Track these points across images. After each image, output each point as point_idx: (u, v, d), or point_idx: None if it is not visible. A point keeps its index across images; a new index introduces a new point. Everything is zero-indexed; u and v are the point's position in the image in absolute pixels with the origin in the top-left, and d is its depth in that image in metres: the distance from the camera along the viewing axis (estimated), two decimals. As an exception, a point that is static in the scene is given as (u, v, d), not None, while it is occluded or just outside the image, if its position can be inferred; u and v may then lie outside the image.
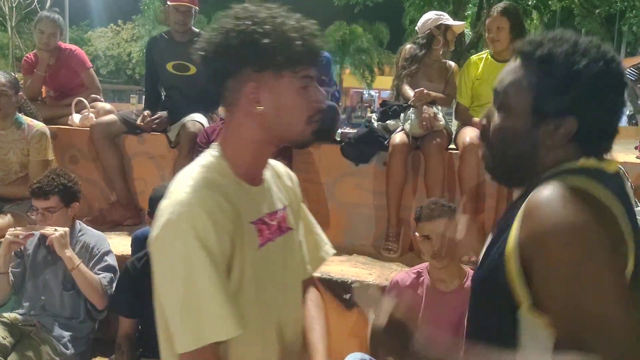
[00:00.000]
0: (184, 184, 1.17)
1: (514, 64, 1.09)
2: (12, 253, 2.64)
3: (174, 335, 1.12)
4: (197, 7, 3.81)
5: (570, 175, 1.00)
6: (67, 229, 2.56)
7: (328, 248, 1.57)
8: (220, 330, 1.10)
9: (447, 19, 3.62)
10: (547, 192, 0.97)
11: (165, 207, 1.14)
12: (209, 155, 1.26)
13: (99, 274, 2.62)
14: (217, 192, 1.17)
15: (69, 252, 2.52)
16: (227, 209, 1.17)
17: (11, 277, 2.67)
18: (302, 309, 1.46)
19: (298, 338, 1.41)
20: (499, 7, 3.47)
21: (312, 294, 1.55)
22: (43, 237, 2.61)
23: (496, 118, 1.11)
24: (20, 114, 3.46)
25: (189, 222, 1.10)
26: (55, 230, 2.51)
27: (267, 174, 1.35)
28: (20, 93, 3.44)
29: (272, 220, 1.30)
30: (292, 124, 1.21)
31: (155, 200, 2.03)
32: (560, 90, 1.02)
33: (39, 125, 3.46)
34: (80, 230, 2.76)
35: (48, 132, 3.48)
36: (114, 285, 2.64)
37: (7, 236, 2.58)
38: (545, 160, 1.06)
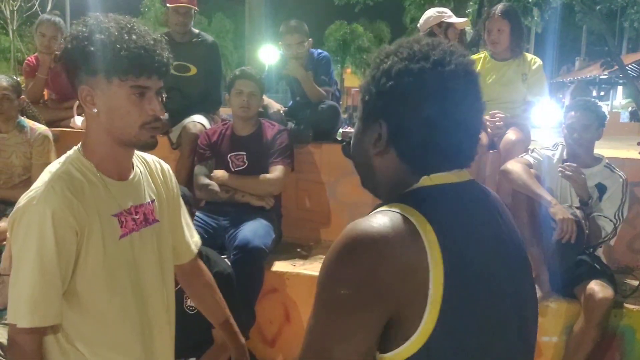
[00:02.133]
0: (41, 179, 1.31)
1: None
2: None
3: (9, 305, 1.28)
4: (196, 8, 3.82)
5: (396, 202, 0.95)
6: None
7: (191, 247, 1.67)
8: (31, 318, 1.25)
9: (449, 17, 3.61)
10: (350, 227, 0.94)
11: (23, 199, 1.29)
12: (72, 152, 1.38)
13: None
14: (68, 190, 1.28)
15: None
16: (75, 205, 1.28)
17: None
18: (172, 292, 1.56)
19: (169, 321, 1.54)
20: (499, 8, 3.47)
21: (198, 273, 1.74)
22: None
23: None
24: (22, 117, 3.46)
25: (35, 218, 1.25)
26: None
27: (139, 170, 1.46)
28: (23, 96, 3.45)
29: (136, 212, 1.41)
30: (125, 128, 1.31)
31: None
32: (370, 94, 0.99)
33: (41, 128, 3.47)
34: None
35: (50, 135, 3.48)
36: None
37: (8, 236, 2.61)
38: (385, 170, 1.02)
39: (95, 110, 1.30)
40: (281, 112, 3.69)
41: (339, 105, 3.97)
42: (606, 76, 23.53)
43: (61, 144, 3.83)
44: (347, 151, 3.63)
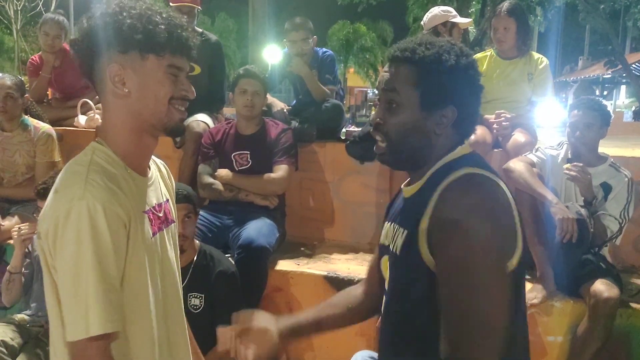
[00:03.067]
0: (74, 173, 1.19)
1: (393, 68, 1.29)
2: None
3: (65, 323, 1.15)
4: (199, 7, 3.82)
5: (469, 167, 1.22)
6: None
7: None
8: (104, 324, 1.13)
9: (454, 16, 3.60)
10: (454, 191, 1.17)
11: (58, 200, 1.16)
12: (95, 145, 1.27)
13: None
14: (109, 181, 1.18)
15: None
16: (121, 197, 1.19)
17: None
18: (181, 297, 1.50)
19: (184, 322, 1.50)
20: (505, 6, 3.46)
21: None
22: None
23: (391, 116, 1.29)
24: (26, 116, 3.48)
25: (85, 215, 1.12)
26: None
27: (152, 168, 1.39)
28: (27, 95, 3.46)
29: (160, 211, 1.35)
30: (156, 107, 1.23)
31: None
32: (441, 84, 1.23)
33: (45, 127, 3.48)
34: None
35: (54, 134, 3.49)
36: None
37: (13, 234, 2.62)
38: (439, 146, 1.28)
39: (126, 90, 1.21)
40: (285, 110, 3.68)
41: (343, 105, 3.97)
42: (609, 75, 23.47)
43: (65, 143, 3.84)
44: (351, 150, 3.63)
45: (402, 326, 1.31)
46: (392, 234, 1.36)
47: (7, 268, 2.68)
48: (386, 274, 1.40)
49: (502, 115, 3.32)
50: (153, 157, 1.42)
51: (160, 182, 1.41)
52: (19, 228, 2.65)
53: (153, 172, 1.38)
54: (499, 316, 1.10)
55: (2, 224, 3.22)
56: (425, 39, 1.27)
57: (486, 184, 1.19)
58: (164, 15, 1.21)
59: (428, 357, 1.20)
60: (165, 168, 1.51)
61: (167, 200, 1.42)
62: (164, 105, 1.23)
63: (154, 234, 1.30)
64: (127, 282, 1.21)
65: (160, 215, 1.34)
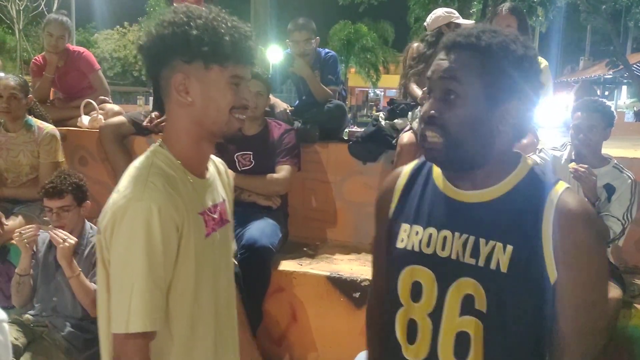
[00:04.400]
0: (137, 176, 1.25)
1: (454, 55, 1.14)
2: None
3: (111, 315, 1.22)
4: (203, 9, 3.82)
5: (557, 180, 1.19)
6: (75, 240, 2.57)
7: (234, 243, 1.68)
8: (143, 323, 1.19)
9: (457, 17, 3.61)
10: (575, 207, 1.15)
11: (119, 199, 1.22)
12: (155, 148, 1.33)
13: (96, 283, 2.64)
14: (168, 184, 1.24)
15: (67, 263, 2.54)
16: (177, 200, 1.25)
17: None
18: (234, 294, 1.56)
19: (234, 319, 1.53)
20: (506, 6, 3.47)
21: None
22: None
23: (450, 108, 1.14)
24: (30, 117, 3.48)
25: (141, 216, 1.19)
26: (64, 241, 2.53)
27: (211, 169, 1.44)
28: (30, 96, 3.47)
29: (215, 212, 1.39)
30: (218, 116, 1.27)
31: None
32: (506, 75, 1.12)
33: (48, 127, 3.48)
34: (91, 231, 2.78)
35: (58, 134, 3.50)
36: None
37: (15, 238, 2.62)
38: (501, 146, 1.17)
39: (189, 99, 1.25)
40: (287, 111, 3.69)
41: (345, 105, 3.97)
42: (611, 76, 23.46)
43: (68, 143, 3.85)
44: (353, 150, 3.64)
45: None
46: (468, 247, 1.19)
47: (16, 271, 2.68)
48: (457, 294, 1.20)
49: None
50: (213, 157, 1.48)
51: (218, 182, 1.46)
52: (20, 233, 2.63)
53: (211, 173, 1.42)
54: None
55: (6, 224, 3.22)
56: (488, 27, 1.16)
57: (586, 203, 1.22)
58: (229, 25, 1.24)
59: None
60: (223, 165, 1.56)
61: (224, 200, 1.46)
62: (225, 114, 1.27)
63: (207, 234, 1.34)
64: (176, 281, 1.26)
65: (215, 216, 1.38)
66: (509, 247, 1.15)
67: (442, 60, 1.16)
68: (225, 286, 1.47)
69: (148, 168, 1.26)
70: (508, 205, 1.17)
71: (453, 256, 1.20)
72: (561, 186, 1.17)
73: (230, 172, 1.60)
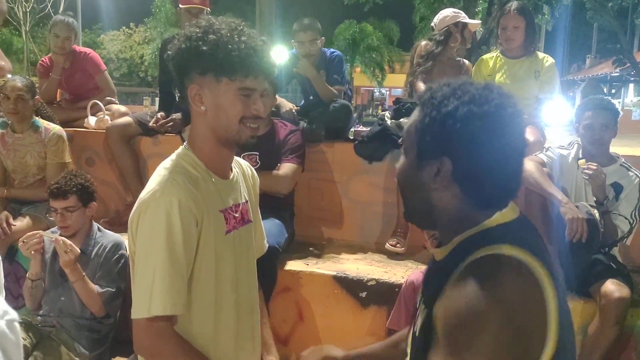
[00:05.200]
0: (161, 174, 1.36)
1: (415, 109, 1.13)
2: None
3: (133, 302, 1.31)
4: (208, 9, 3.83)
5: (501, 244, 0.99)
6: (78, 251, 2.58)
7: (264, 243, 1.82)
8: (164, 306, 1.28)
9: (464, 17, 3.62)
10: (466, 283, 0.96)
11: (144, 195, 1.34)
12: (181, 150, 1.45)
13: (102, 286, 2.66)
14: (189, 181, 1.35)
15: (70, 270, 2.56)
16: (197, 196, 1.35)
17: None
18: (256, 291, 1.66)
19: (255, 314, 1.61)
20: (514, 5, 3.47)
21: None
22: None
23: (400, 162, 1.16)
24: (37, 118, 3.50)
25: (162, 208, 1.29)
26: (67, 252, 2.54)
27: (235, 170, 1.54)
28: (38, 97, 3.49)
29: (236, 211, 1.49)
30: (228, 125, 1.38)
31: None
32: (433, 132, 1.05)
33: (55, 128, 3.50)
34: (98, 232, 2.79)
35: (65, 135, 3.51)
36: (114, 302, 2.71)
37: (20, 247, 2.63)
38: (444, 205, 1.09)
39: (203, 108, 1.37)
40: (293, 111, 3.69)
41: (351, 105, 3.97)
42: (617, 74, 23.36)
43: (75, 144, 3.86)
44: (359, 150, 3.64)
45: None
46: (419, 310, 1.16)
47: (27, 276, 2.68)
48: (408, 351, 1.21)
49: None
50: (240, 160, 1.62)
51: (242, 184, 1.56)
52: (24, 242, 2.63)
53: (235, 175, 1.53)
54: None
55: (14, 224, 3.24)
56: (455, 81, 1.08)
57: (511, 274, 0.95)
58: (241, 39, 1.33)
59: None
60: (251, 169, 1.67)
61: (246, 201, 1.56)
62: (235, 124, 1.38)
63: (228, 231, 1.44)
64: (197, 273, 1.36)
65: (237, 215, 1.48)
66: (425, 311, 1.10)
67: None
68: (247, 282, 1.54)
69: (172, 167, 1.38)
70: (443, 267, 1.08)
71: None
72: (480, 253, 1.00)
73: (255, 174, 1.68)
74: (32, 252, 2.62)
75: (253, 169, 1.69)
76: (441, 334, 0.99)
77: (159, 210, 1.30)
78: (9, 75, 3.49)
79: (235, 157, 1.57)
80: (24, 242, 2.62)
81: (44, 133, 3.44)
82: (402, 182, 1.17)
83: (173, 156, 1.44)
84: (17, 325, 0.88)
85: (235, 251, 1.47)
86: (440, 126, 1.04)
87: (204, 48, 1.31)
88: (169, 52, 1.40)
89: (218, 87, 1.34)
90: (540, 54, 3.57)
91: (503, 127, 1.03)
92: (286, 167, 3.15)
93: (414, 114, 1.13)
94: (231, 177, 1.51)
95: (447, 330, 0.97)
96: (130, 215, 1.36)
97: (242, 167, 1.62)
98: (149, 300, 1.27)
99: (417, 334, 1.14)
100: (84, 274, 2.60)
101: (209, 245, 1.37)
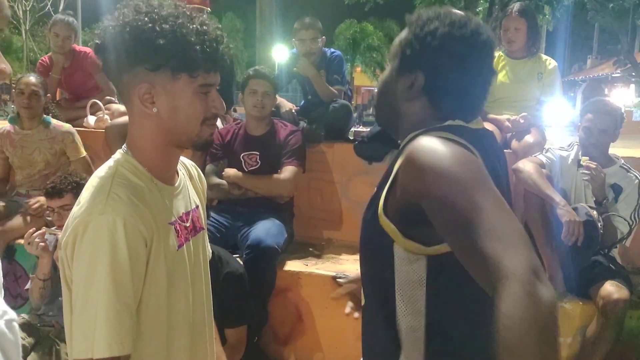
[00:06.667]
0: (99, 187, 1.14)
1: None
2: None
3: (73, 339, 1.10)
4: (208, 9, 3.83)
5: (434, 130, 1.11)
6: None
7: (209, 248, 1.52)
8: (110, 346, 1.07)
9: None
10: (418, 143, 1.04)
11: (79, 212, 1.11)
12: (120, 156, 1.23)
13: None
14: (133, 195, 1.14)
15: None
16: (144, 212, 1.14)
17: None
18: (211, 304, 1.45)
19: (209, 330, 1.42)
20: (516, 7, 3.47)
21: None
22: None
23: (385, 70, 1.29)
24: (48, 115, 3.56)
25: (104, 230, 1.08)
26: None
27: (181, 173, 1.34)
28: (49, 95, 3.55)
29: (187, 220, 1.30)
30: (188, 127, 1.19)
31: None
32: (413, 48, 1.17)
33: (66, 126, 3.59)
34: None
35: (75, 131, 3.60)
36: None
37: (26, 248, 2.62)
38: (411, 115, 1.20)
39: (155, 109, 1.16)
40: (293, 111, 3.69)
41: (351, 104, 3.97)
42: (618, 74, 23.36)
43: (74, 144, 3.86)
44: (359, 150, 3.62)
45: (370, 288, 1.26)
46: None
47: (37, 276, 2.65)
48: None
49: (520, 119, 3.31)
50: (183, 159, 1.39)
51: (189, 188, 1.36)
52: (29, 243, 2.62)
53: (181, 178, 1.33)
54: (511, 219, 0.90)
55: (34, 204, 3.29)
56: (443, 8, 1.20)
57: (448, 142, 1.03)
58: (198, 29, 1.13)
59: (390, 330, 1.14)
60: (196, 169, 1.47)
61: (197, 206, 1.37)
62: (196, 126, 1.19)
63: (179, 245, 1.25)
64: (146, 298, 1.16)
65: (187, 224, 1.29)
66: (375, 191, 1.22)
67: None
68: (201, 298, 1.37)
69: (111, 178, 1.16)
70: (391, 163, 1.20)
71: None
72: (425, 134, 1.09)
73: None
74: (41, 250, 2.59)
75: (198, 168, 1.49)
76: (413, 189, 1.02)
77: (100, 233, 1.07)
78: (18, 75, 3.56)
79: (180, 158, 1.36)
80: (29, 243, 2.60)
81: (54, 130, 3.48)
82: (380, 89, 1.28)
83: (110, 162, 1.21)
84: (16, 325, 0.88)
85: (189, 265, 1.29)
86: (420, 43, 1.16)
87: (160, 41, 1.09)
88: (97, 42, 1.16)
89: (174, 85, 1.14)
90: (543, 56, 3.57)
91: (475, 52, 1.15)
92: (287, 171, 3.15)
93: (404, 30, 1.24)
94: (177, 182, 1.30)
95: (420, 175, 1.00)
96: (64, 238, 1.13)
97: (187, 167, 1.41)
98: (92, 338, 1.06)
99: (366, 213, 1.23)
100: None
101: (159, 266, 1.17)
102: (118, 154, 1.23)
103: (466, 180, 0.95)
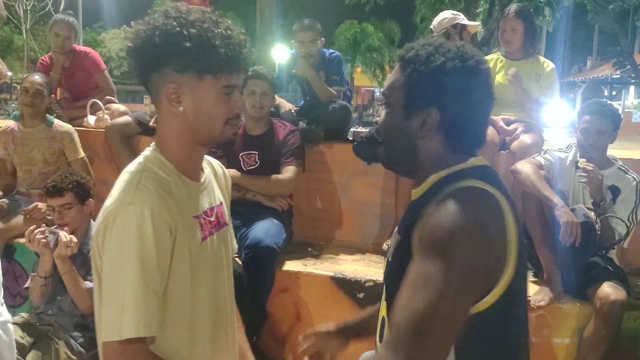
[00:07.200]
0: (129, 180, 1.23)
1: (396, 67, 1.25)
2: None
3: (102, 323, 1.18)
4: (208, 9, 3.83)
5: (473, 179, 1.14)
6: (76, 250, 2.58)
7: (235, 243, 1.60)
8: (137, 327, 1.14)
9: (463, 19, 3.62)
10: (446, 205, 1.08)
11: (111, 204, 1.20)
12: (149, 152, 1.31)
13: (91, 282, 2.64)
14: (160, 188, 1.22)
15: (62, 261, 2.55)
16: (170, 203, 1.22)
17: None
18: (233, 297, 1.51)
19: (232, 322, 1.48)
20: (513, 8, 3.49)
21: None
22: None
23: (382, 115, 1.27)
24: (52, 115, 3.58)
25: (132, 219, 1.16)
26: (69, 246, 2.55)
27: (207, 170, 1.42)
28: (53, 95, 3.56)
29: (211, 215, 1.37)
30: (211, 126, 1.27)
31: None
32: (422, 85, 1.18)
33: (67, 126, 3.61)
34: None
35: (75, 132, 3.61)
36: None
37: (28, 245, 2.62)
38: (428, 152, 1.22)
39: (181, 108, 1.24)
40: (293, 111, 3.70)
41: (350, 105, 3.98)
42: (618, 76, 23.34)
43: (74, 143, 3.86)
44: (358, 150, 3.64)
45: None
46: (393, 240, 1.32)
47: (38, 274, 2.65)
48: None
49: (513, 125, 3.33)
50: (209, 158, 1.47)
51: (214, 185, 1.43)
52: (30, 241, 2.62)
53: (206, 175, 1.40)
54: (440, 333, 1.01)
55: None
56: (434, 41, 1.21)
57: (481, 200, 1.10)
58: (223, 34, 1.21)
59: None
60: (221, 167, 1.53)
61: (221, 203, 1.44)
62: (220, 126, 1.27)
63: (203, 238, 1.32)
64: (172, 285, 1.23)
65: (212, 219, 1.36)
66: (398, 237, 1.25)
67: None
68: (225, 290, 1.44)
69: (140, 172, 1.24)
70: (418, 202, 1.22)
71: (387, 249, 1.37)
72: (454, 187, 1.13)
73: (229, 173, 1.58)
74: (42, 246, 2.58)
75: (224, 167, 1.56)
76: (419, 247, 1.11)
77: (129, 222, 1.15)
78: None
79: (205, 156, 1.44)
80: (30, 240, 2.60)
81: (56, 130, 3.51)
82: (388, 133, 1.27)
83: (140, 159, 1.30)
84: (10, 327, 0.89)
85: (213, 258, 1.36)
86: (430, 79, 1.16)
87: (187, 44, 1.17)
88: (129, 45, 1.24)
89: (199, 85, 1.22)
90: (542, 58, 3.58)
91: (481, 80, 1.19)
92: (288, 171, 3.16)
93: (395, 71, 1.24)
94: (203, 178, 1.38)
95: (425, 241, 1.09)
96: (95, 228, 1.22)
97: (212, 166, 1.49)
98: (120, 321, 1.14)
99: (389, 259, 1.29)
100: (80, 272, 2.60)
101: (183, 256, 1.25)
102: (147, 151, 1.32)
103: (450, 276, 1.02)
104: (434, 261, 1.04)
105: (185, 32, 1.18)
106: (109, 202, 1.21)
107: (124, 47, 1.34)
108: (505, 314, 1.12)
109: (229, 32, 1.23)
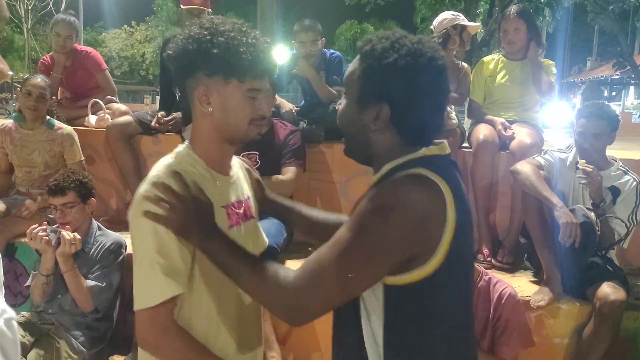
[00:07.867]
0: (158, 169, 1.36)
1: (355, 58, 1.28)
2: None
3: (135, 295, 1.31)
4: (209, 10, 3.85)
5: (418, 168, 1.19)
6: (79, 247, 2.60)
7: (265, 239, 1.73)
8: (162, 292, 1.27)
9: (463, 20, 3.63)
10: (381, 188, 1.19)
11: (141, 187, 1.34)
12: (182, 149, 1.44)
13: (92, 281, 2.66)
14: (188, 178, 1.35)
15: (64, 259, 2.56)
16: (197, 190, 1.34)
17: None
18: None
19: (257, 308, 1.57)
20: (514, 9, 3.49)
21: None
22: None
23: (342, 104, 1.32)
24: (53, 118, 3.57)
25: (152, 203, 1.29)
26: (72, 244, 2.56)
27: (235, 167, 1.54)
28: (54, 97, 3.55)
29: (239, 207, 1.49)
30: (237, 125, 1.38)
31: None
32: (375, 82, 1.21)
33: (68, 128, 3.59)
34: (98, 231, 2.80)
35: (75, 134, 3.59)
36: (102, 296, 2.68)
37: (30, 244, 2.62)
38: (381, 144, 1.26)
39: (210, 109, 1.36)
40: (293, 111, 3.70)
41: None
42: (618, 76, 23.38)
43: (75, 143, 3.87)
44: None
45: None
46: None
47: (40, 272, 2.66)
48: None
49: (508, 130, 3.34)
50: (237, 158, 1.60)
51: (242, 181, 1.56)
52: (32, 238, 2.61)
53: (235, 172, 1.53)
54: (338, 285, 1.16)
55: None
56: (391, 35, 1.24)
57: (417, 185, 1.16)
58: (249, 42, 1.33)
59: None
60: (248, 167, 1.66)
61: (249, 198, 1.56)
62: (244, 126, 1.38)
63: (231, 226, 1.43)
64: (198, 270, 1.35)
65: (240, 211, 1.48)
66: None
67: None
68: None
69: (169, 165, 1.37)
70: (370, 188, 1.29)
71: None
72: (400, 174, 1.19)
73: (255, 174, 1.66)
74: (44, 244, 2.59)
75: (252, 166, 1.68)
76: (349, 219, 1.21)
77: (149, 206, 1.29)
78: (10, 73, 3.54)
79: (235, 157, 1.57)
80: (32, 238, 2.61)
81: (56, 132, 3.50)
82: (344, 123, 1.31)
83: (173, 154, 1.43)
84: (14, 323, 0.89)
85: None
86: (381, 76, 1.20)
87: (215, 51, 1.30)
88: (169, 52, 1.39)
89: (226, 88, 1.34)
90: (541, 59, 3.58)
91: (433, 78, 1.21)
92: (288, 172, 3.17)
93: (354, 62, 1.27)
94: (232, 174, 1.51)
95: (352, 214, 1.21)
96: (129, 211, 1.36)
97: (240, 163, 1.62)
98: (148, 290, 1.28)
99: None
100: (81, 271, 2.61)
101: None
102: (180, 147, 1.45)
103: (358, 244, 1.14)
104: (350, 228, 1.16)
105: (214, 40, 1.31)
106: (142, 186, 1.33)
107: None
108: (435, 292, 1.19)
109: (254, 40, 1.34)
